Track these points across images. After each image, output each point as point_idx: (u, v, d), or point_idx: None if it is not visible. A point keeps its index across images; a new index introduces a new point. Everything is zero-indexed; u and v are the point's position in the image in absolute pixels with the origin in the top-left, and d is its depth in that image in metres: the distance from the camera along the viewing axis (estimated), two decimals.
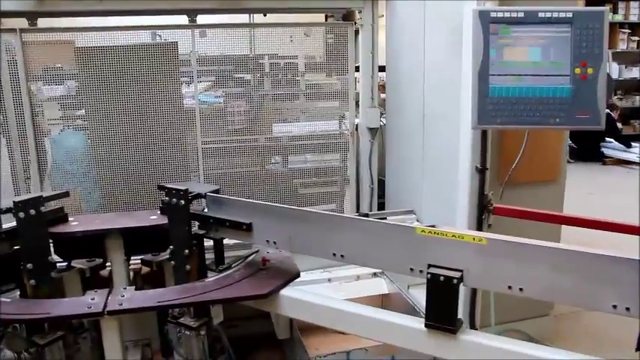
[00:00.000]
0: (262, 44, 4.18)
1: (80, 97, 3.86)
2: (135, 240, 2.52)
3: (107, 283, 2.65)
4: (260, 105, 4.29)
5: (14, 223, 2.39)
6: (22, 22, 3.66)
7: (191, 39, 3.81)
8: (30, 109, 3.67)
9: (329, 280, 3.11)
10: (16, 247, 2.39)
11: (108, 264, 2.65)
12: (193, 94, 3.92)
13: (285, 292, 2.23)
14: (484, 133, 2.59)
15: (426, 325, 1.89)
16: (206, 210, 2.43)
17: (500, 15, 2.17)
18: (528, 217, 2.69)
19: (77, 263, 2.58)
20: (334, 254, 2.10)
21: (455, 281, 1.82)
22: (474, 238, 1.84)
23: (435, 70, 3.18)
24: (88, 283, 2.63)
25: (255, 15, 4.55)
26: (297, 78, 4.49)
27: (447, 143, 2.97)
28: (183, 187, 2.34)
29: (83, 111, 3.93)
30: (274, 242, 2.23)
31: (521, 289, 1.75)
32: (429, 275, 1.87)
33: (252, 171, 4.25)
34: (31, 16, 3.68)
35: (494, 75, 2.20)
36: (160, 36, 4.34)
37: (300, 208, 2.31)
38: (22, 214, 2.28)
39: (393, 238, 1.97)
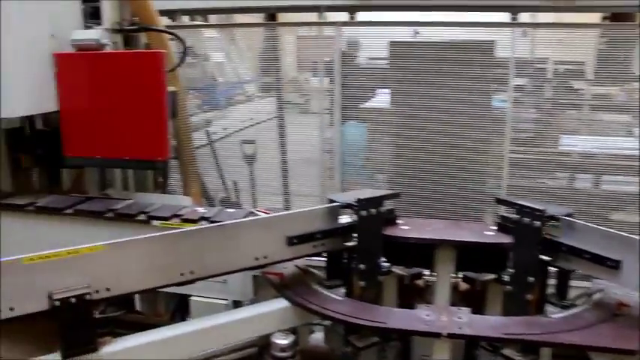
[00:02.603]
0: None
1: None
2: (466, 255, 2.29)
3: (421, 293, 2.51)
4: (550, 114, 3.82)
5: (345, 219, 2.35)
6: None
7: (511, 39, 3.48)
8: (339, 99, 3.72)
9: None
10: (346, 244, 2.34)
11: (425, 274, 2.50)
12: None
13: None
14: None
15: None
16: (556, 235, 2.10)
17: None
18: None
19: (396, 269, 2.48)
20: None
21: None
22: None
23: None
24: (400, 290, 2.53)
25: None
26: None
27: None
28: (539, 207, 2.04)
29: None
30: None
31: None
32: None
33: (556, 187, 3.80)
34: (352, 10, 3.75)
35: None
36: (418, 33, 4.13)
37: None
38: (363, 213, 2.21)
39: None
